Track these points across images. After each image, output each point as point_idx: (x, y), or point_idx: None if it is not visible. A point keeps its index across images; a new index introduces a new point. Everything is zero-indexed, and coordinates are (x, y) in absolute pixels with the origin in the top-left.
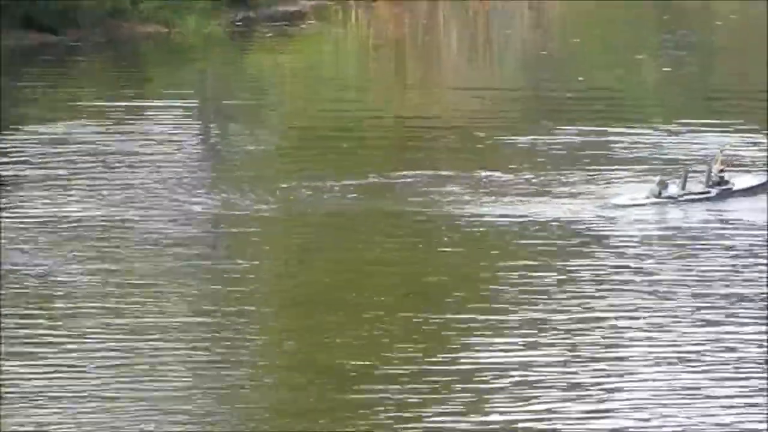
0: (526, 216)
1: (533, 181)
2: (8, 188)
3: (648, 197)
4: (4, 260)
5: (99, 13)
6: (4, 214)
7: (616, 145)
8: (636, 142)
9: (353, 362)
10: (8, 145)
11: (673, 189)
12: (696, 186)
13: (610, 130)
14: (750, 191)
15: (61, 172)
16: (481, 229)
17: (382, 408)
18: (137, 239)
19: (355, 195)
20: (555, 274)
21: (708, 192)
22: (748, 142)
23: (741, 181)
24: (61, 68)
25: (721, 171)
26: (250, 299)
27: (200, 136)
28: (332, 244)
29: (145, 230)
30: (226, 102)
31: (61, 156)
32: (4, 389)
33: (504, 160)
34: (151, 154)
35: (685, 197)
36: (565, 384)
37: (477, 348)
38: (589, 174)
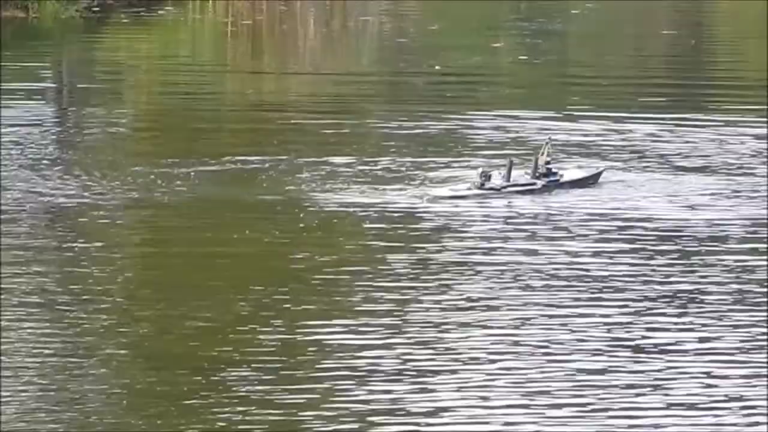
0: (358, 204)
1: (380, 167)
2: None
3: (470, 188)
4: None
5: None
6: None
7: (469, 132)
8: (489, 129)
9: (197, 349)
10: None
11: (497, 180)
12: (522, 177)
13: (463, 116)
14: (578, 183)
15: None
16: (320, 216)
17: (228, 391)
18: None
19: (210, 180)
20: (385, 262)
21: (533, 183)
22: (603, 130)
23: (570, 172)
24: None
25: (548, 162)
26: (95, 286)
27: (56, 120)
28: (183, 230)
29: None
30: (83, 86)
31: None
32: None
33: (356, 147)
34: (5, 138)
35: (509, 188)
36: (396, 367)
37: (318, 333)
38: (434, 161)
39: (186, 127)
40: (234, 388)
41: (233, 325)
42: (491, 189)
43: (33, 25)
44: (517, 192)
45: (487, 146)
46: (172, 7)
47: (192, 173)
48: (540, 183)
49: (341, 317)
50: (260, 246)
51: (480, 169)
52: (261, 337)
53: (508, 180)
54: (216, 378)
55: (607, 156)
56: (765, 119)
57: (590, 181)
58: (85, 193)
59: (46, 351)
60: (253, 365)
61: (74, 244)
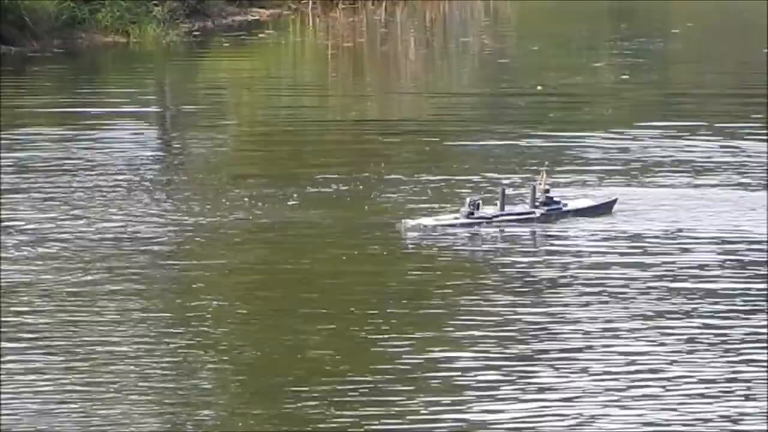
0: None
1: (476, 186)
2: None
3: (457, 218)
4: None
5: (57, 24)
6: None
7: (570, 151)
8: (591, 148)
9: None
10: None
11: (490, 209)
12: (519, 207)
13: (565, 135)
14: (582, 212)
15: (15, 179)
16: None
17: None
18: (93, 247)
19: (310, 202)
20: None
21: (532, 212)
22: (711, 146)
23: (577, 202)
24: (17, 79)
25: (547, 190)
26: (203, 308)
27: (158, 142)
28: (284, 253)
29: (100, 238)
30: (184, 108)
31: (17, 164)
32: None
33: (455, 167)
34: (109, 161)
35: (503, 218)
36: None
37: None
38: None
39: (288, 147)
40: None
41: (336, 348)
42: (481, 218)
43: (134, 51)
44: (513, 221)
45: (583, 167)
46: (273, 31)
47: (294, 194)
48: (539, 212)
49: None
50: (357, 268)
51: (468, 199)
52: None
53: (502, 209)
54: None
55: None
56: None
57: (600, 210)
58: (187, 217)
59: (161, 372)
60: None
61: (176, 266)
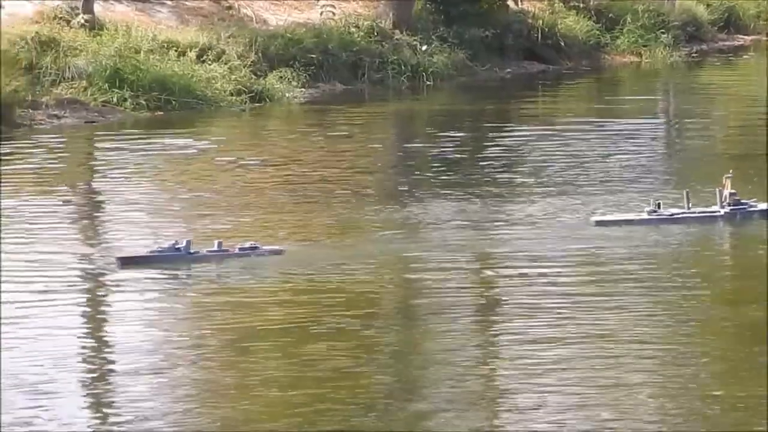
0: None
1: None
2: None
3: (640, 215)
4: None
5: (586, 47)
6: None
7: None
8: None
9: None
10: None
11: (674, 209)
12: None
13: None
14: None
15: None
16: None
17: None
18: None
19: None
20: None
21: (717, 211)
22: None
23: (764, 204)
24: (554, 88)
25: (733, 194)
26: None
27: (664, 130)
28: None
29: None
30: (684, 106)
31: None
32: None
33: None
34: (623, 149)
35: (687, 215)
36: None
37: None
38: None
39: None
40: None
41: None
42: (661, 215)
43: (645, 68)
44: (698, 218)
45: None
46: (753, 53)
47: None
48: (723, 210)
49: None
50: None
51: (651, 199)
52: None
53: (689, 207)
54: None
55: None
56: None
57: None
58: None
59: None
60: None
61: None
